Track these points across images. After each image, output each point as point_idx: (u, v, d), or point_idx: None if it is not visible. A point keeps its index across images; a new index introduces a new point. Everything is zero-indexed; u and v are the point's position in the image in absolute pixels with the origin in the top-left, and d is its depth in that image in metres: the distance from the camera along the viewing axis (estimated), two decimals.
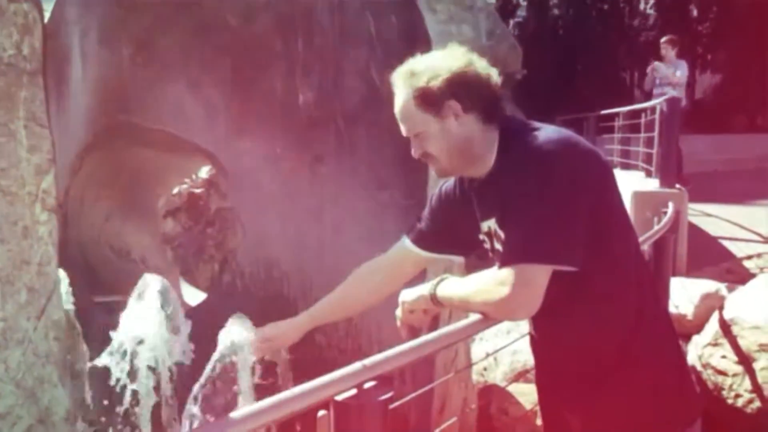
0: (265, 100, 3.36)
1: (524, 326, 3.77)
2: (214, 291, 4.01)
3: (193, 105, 3.42)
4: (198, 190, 7.31)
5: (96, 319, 3.45)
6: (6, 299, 1.48)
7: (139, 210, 4.25)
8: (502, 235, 1.75)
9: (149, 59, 3.40)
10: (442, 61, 1.75)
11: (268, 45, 3.34)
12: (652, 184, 5.99)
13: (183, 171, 4.93)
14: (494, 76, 1.78)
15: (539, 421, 4.42)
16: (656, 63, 9.09)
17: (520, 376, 4.67)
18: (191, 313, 3.58)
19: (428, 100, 1.73)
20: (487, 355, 4.34)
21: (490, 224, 1.82)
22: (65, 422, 1.60)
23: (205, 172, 6.94)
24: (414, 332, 1.94)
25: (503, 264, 1.66)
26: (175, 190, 6.78)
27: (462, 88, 1.72)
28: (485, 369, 5.00)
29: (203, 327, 3.41)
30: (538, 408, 3.21)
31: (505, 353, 4.73)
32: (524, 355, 4.73)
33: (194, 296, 4.09)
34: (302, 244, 3.38)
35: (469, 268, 2.02)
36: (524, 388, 4.37)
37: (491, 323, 1.74)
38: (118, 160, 3.75)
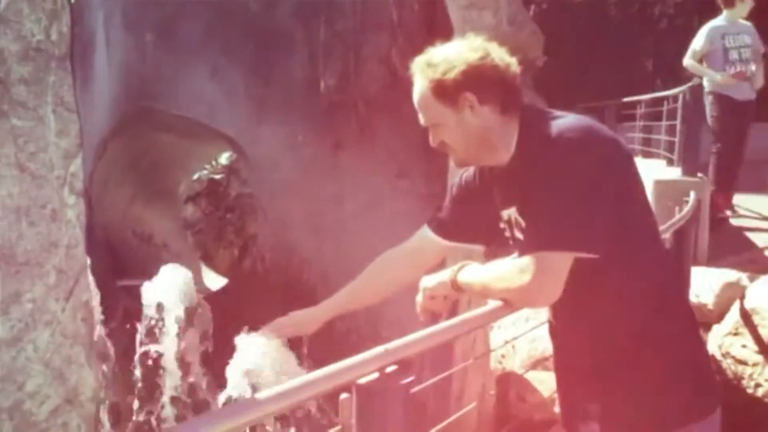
0: (287, 86, 3.37)
1: (543, 314, 3.77)
2: (235, 276, 4.05)
3: (215, 91, 3.44)
4: (218, 176, 7.36)
5: (119, 302, 3.50)
6: (35, 281, 1.51)
7: (161, 195, 4.29)
8: (522, 223, 1.76)
9: (171, 45, 3.42)
10: (458, 52, 1.74)
11: (289, 31, 3.35)
12: (674, 173, 5.94)
13: (204, 156, 4.96)
14: (513, 66, 1.76)
15: (557, 409, 4.42)
16: (713, 24, 5.88)
17: (538, 364, 4.67)
18: (212, 297, 3.63)
19: (444, 92, 1.73)
20: (506, 342, 4.34)
21: (510, 213, 1.82)
22: (92, 402, 1.64)
23: (225, 158, 6.98)
24: (434, 318, 1.95)
25: (525, 251, 1.66)
26: (196, 176, 6.83)
27: (478, 81, 1.72)
28: (503, 356, 5.01)
29: (224, 311, 3.45)
30: (556, 395, 3.20)
31: (523, 341, 4.72)
32: (543, 343, 4.73)
33: (215, 281, 4.13)
34: (322, 230, 3.40)
35: (489, 257, 2.02)
36: (542, 375, 4.37)
37: (512, 310, 1.75)
38: (140, 146, 3.79)
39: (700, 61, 5.95)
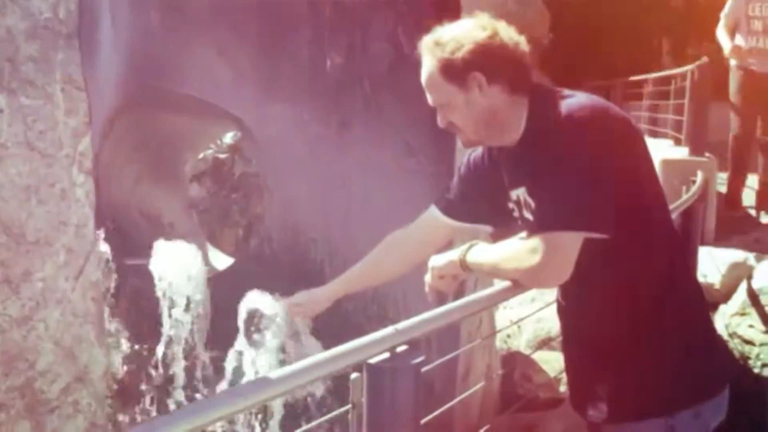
0: (293, 65, 3.36)
1: (549, 294, 3.77)
2: (242, 255, 4.05)
3: (222, 70, 3.42)
4: (222, 156, 7.35)
5: (127, 280, 3.52)
6: (45, 260, 1.52)
7: (167, 174, 4.29)
8: (532, 203, 1.75)
9: (178, 23, 3.40)
10: (466, 31, 1.73)
11: (295, 9, 3.32)
12: (681, 153, 5.92)
13: (211, 136, 4.95)
14: (521, 44, 1.75)
15: (563, 388, 4.44)
16: None
17: (543, 344, 4.69)
18: (219, 276, 3.64)
19: (452, 71, 1.72)
20: (512, 323, 4.36)
21: (519, 193, 1.81)
22: (102, 380, 1.65)
23: (229, 137, 6.97)
24: (441, 298, 1.95)
25: (535, 231, 1.66)
26: (200, 156, 6.82)
27: (486, 60, 1.70)
28: (509, 336, 5.03)
29: (230, 291, 3.46)
30: (561, 375, 3.19)
31: (529, 321, 4.74)
32: (548, 323, 4.74)
33: (221, 260, 4.14)
34: (329, 210, 3.40)
35: (496, 238, 2.02)
36: (548, 355, 4.39)
37: (521, 290, 1.75)
38: (147, 125, 3.77)
39: (734, 31, 5.43)
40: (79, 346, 1.58)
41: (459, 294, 2.56)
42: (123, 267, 3.58)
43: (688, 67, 6.23)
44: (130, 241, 3.91)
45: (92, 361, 1.61)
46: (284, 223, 3.51)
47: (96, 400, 1.61)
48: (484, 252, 1.82)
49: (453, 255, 1.88)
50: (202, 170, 7.26)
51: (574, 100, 1.68)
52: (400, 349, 1.37)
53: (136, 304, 3.51)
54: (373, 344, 1.34)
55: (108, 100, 3.60)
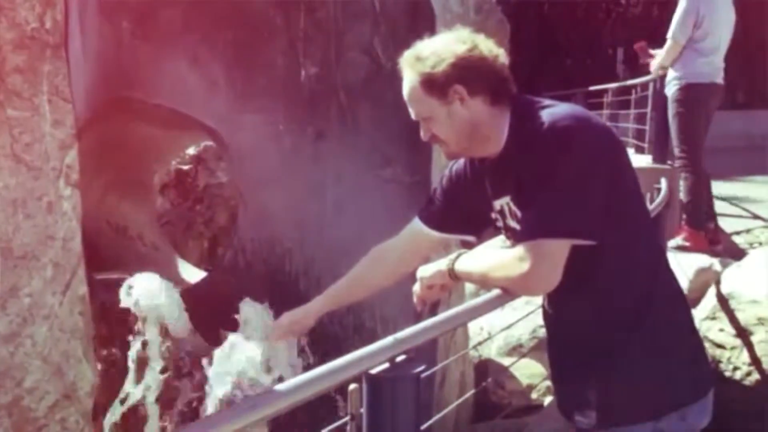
0: (267, 75, 3.34)
1: (517, 302, 3.79)
2: (216, 267, 4.01)
3: (194, 80, 3.38)
4: (186, 167, 7.25)
5: (96, 295, 3.44)
6: (32, 275, 1.48)
7: (136, 186, 4.22)
8: (518, 212, 1.77)
9: (149, 33, 3.35)
10: (446, 45, 1.75)
11: (269, 19, 3.31)
12: (644, 161, 6.03)
13: (182, 147, 4.89)
14: (501, 56, 1.79)
15: (535, 395, 4.45)
16: None
17: (514, 351, 4.73)
18: (192, 289, 3.59)
19: (433, 85, 1.74)
20: (489, 335, 4.39)
21: (503, 202, 1.83)
22: (90, 397, 1.61)
23: (192, 148, 6.88)
24: (431, 307, 1.96)
25: (522, 240, 1.68)
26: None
27: (467, 73, 1.73)
28: (480, 344, 5.05)
29: (206, 303, 3.42)
30: (534, 382, 3.21)
31: (498, 328, 4.77)
32: (518, 330, 4.78)
33: (193, 273, 4.08)
34: (304, 220, 3.38)
35: (468, 246, 2.03)
36: (519, 362, 4.42)
37: (510, 298, 1.77)
38: (117, 135, 3.70)
39: None
40: (66, 363, 1.54)
41: (435, 303, 2.57)
42: (92, 282, 3.51)
43: (651, 77, 6.36)
44: (98, 255, 3.83)
45: (80, 377, 1.58)
46: (259, 233, 3.48)
47: (83, 417, 1.57)
48: (473, 261, 1.83)
49: (441, 265, 1.89)
50: (165, 182, 7.15)
51: (556, 110, 1.71)
52: (400, 358, 1.37)
53: (106, 320, 3.44)
54: (373, 355, 1.34)
55: (77, 110, 3.52)
